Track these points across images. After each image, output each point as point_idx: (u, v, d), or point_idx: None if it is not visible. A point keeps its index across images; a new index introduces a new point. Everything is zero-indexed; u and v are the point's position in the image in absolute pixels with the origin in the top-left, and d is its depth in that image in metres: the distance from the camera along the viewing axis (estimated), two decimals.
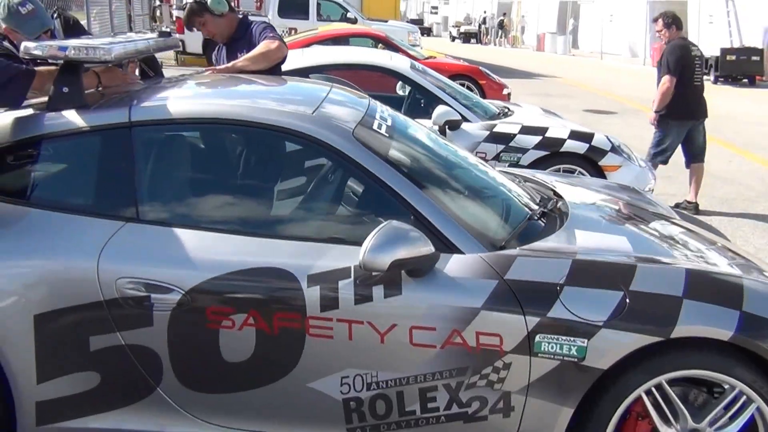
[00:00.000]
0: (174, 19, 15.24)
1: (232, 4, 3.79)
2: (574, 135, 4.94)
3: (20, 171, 2.19)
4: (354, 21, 15.04)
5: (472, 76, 9.48)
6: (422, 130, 2.80)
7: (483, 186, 2.55)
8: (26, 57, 2.23)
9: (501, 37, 30.98)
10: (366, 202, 2.27)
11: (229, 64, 3.43)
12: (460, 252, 2.04)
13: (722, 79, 16.58)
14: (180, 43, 13.66)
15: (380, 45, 10.10)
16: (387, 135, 2.37)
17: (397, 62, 5.36)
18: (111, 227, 2.05)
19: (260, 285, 1.99)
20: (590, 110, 11.48)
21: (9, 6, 2.89)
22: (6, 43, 2.89)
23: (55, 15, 3.28)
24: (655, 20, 5.79)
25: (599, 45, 24.41)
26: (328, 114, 2.31)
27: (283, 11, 14.92)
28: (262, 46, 3.42)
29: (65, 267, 1.99)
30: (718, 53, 16.76)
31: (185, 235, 2.06)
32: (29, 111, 2.25)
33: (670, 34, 5.58)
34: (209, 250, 2.03)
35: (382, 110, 2.61)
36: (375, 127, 2.36)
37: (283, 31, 14.43)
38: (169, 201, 2.22)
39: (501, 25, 31.37)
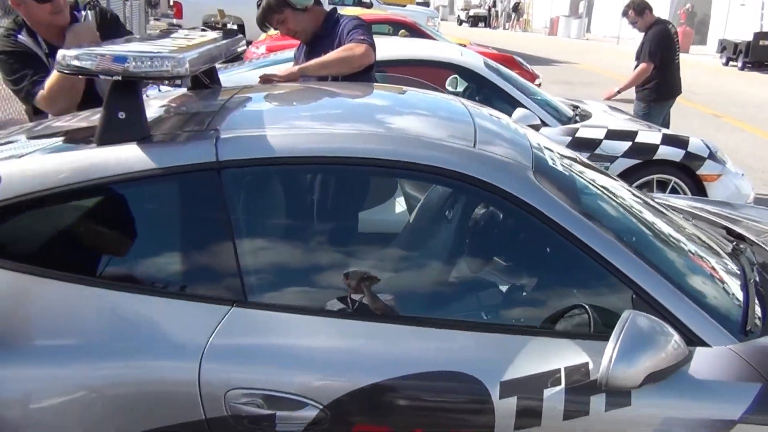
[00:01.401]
0: (171, 3, 14.49)
1: None
2: (668, 140, 4.37)
3: (63, 232, 1.59)
4: (369, 5, 14.37)
5: (505, 66, 8.85)
6: (572, 154, 2.22)
7: (683, 239, 1.95)
8: (65, 71, 1.60)
9: (513, 21, 30.18)
10: (563, 273, 1.68)
11: (293, 69, 2.75)
12: (703, 344, 1.48)
13: (750, 66, 15.98)
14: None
15: (402, 31, 9.47)
16: (566, 173, 1.79)
17: (470, 58, 4.71)
18: (211, 315, 1.46)
19: (430, 396, 1.43)
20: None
21: None
22: (22, 37, 2.42)
23: (88, 6, 2.63)
24: (625, 13, 5.64)
25: (612, 29, 23.70)
26: (491, 145, 1.72)
27: None
28: (343, 49, 2.74)
29: (149, 373, 1.41)
30: (748, 38, 16.12)
31: (317, 324, 1.49)
32: (74, 148, 1.64)
33: (645, 20, 5.46)
34: (355, 347, 1.46)
35: (535, 134, 2.03)
36: (550, 161, 1.78)
37: None
38: (288, 274, 1.63)
39: (516, 8, 30.50)
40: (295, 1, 2.86)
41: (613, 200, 1.92)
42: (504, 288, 1.78)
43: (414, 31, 9.37)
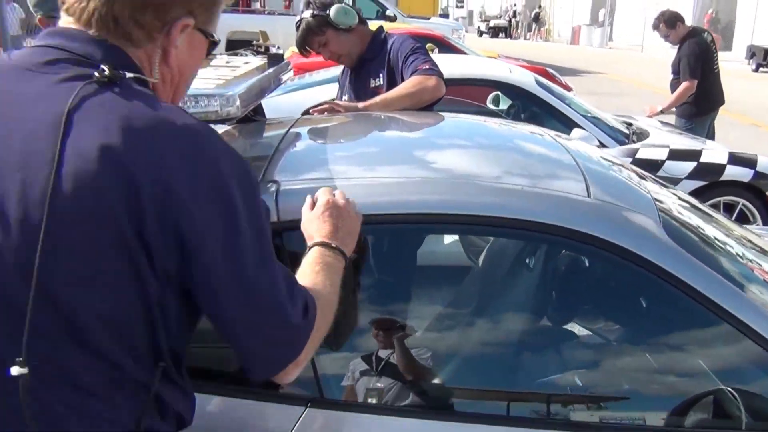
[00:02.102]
0: None
1: (360, 13, 2.67)
2: (735, 159, 4.04)
3: None
4: (393, 19, 14.16)
5: None
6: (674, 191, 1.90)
7: None
8: None
9: (534, 32, 29.84)
10: (698, 350, 1.37)
11: (368, 103, 2.34)
12: None
13: None
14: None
15: (429, 45, 9.22)
16: (687, 219, 1.49)
17: (521, 76, 4.41)
18: (287, 417, 1.18)
19: None
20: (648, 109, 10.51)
21: None
22: None
23: None
24: (656, 27, 5.41)
25: (636, 37, 23.34)
26: (607, 193, 1.41)
27: None
28: (413, 84, 2.36)
29: None
30: None
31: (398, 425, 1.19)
32: None
33: (678, 32, 5.24)
34: None
35: (638, 170, 1.73)
36: (674, 209, 1.48)
37: None
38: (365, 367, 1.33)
39: (537, 17, 30.15)
40: (337, 20, 2.52)
41: (734, 248, 1.61)
42: (613, 367, 1.47)
43: (442, 45, 9.08)
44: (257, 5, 15.30)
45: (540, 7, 30.86)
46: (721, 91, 5.37)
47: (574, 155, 1.59)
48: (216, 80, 1.63)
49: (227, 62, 2.34)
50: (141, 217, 0.80)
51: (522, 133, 2.01)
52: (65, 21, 0.92)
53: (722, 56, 18.71)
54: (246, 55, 2.41)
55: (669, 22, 5.25)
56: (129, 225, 0.80)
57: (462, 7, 37.98)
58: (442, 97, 2.40)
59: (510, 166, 1.55)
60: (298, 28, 2.60)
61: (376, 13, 14.93)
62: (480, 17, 35.48)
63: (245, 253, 0.85)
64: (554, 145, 1.72)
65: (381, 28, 2.72)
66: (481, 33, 32.33)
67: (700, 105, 5.20)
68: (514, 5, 32.38)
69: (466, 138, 1.87)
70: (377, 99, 2.36)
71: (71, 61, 0.87)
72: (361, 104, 2.35)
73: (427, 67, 2.40)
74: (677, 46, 5.34)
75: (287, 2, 15.98)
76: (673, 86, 5.35)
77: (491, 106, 4.73)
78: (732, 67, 17.71)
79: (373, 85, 2.57)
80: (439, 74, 2.38)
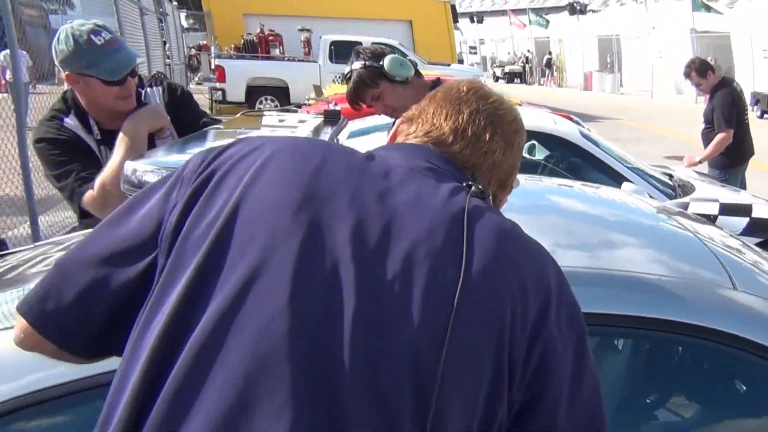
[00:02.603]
0: (213, 67, 14.49)
1: (416, 65, 2.56)
2: None
3: None
4: (414, 66, 14.31)
5: None
6: None
7: None
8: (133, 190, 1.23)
9: (548, 77, 30.13)
10: None
11: None
12: None
13: None
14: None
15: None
16: None
17: (565, 127, 4.35)
18: None
19: None
20: (672, 156, 10.41)
21: (74, 36, 1.81)
22: (69, 121, 1.94)
23: (154, 82, 2.14)
24: (688, 75, 5.34)
25: (643, 82, 23.58)
26: (752, 285, 1.28)
27: (335, 56, 14.23)
28: None
29: None
30: None
31: None
32: None
33: (709, 80, 5.17)
34: None
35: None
36: None
37: (336, 76, 13.76)
38: None
39: (549, 63, 30.50)
40: (393, 72, 2.38)
41: None
42: None
43: None
44: (276, 52, 15.48)
45: (550, 53, 31.26)
46: (751, 141, 5.33)
47: (702, 240, 1.46)
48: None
49: (280, 121, 2.23)
50: (520, 335, 0.76)
51: (609, 199, 1.90)
52: (417, 138, 0.95)
53: None
54: (297, 111, 2.31)
55: (700, 71, 5.20)
56: (508, 342, 0.75)
57: (475, 53, 38.49)
58: None
59: (626, 245, 1.43)
60: (348, 80, 2.47)
61: None
62: (493, 63, 35.88)
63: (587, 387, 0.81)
64: (660, 217, 1.61)
65: (438, 79, 2.57)
66: (497, 78, 32.66)
67: (734, 156, 5.15)
68: (528, 51, 32.79)
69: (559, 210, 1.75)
70: None
71: (437, 172, 0.88)
72: None
73: None
74: (707, 96, 5.31)
75: (307, 49, 16.21)
76: (705, 136, 5.30)
77: (527, 156, 4.65)
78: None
79: None
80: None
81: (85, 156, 1.90)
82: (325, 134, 1.95)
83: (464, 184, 0.87)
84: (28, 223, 4.05)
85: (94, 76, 1.82)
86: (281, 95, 13.23)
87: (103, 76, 1.82)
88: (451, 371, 0.71)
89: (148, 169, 1.16)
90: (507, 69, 32.61)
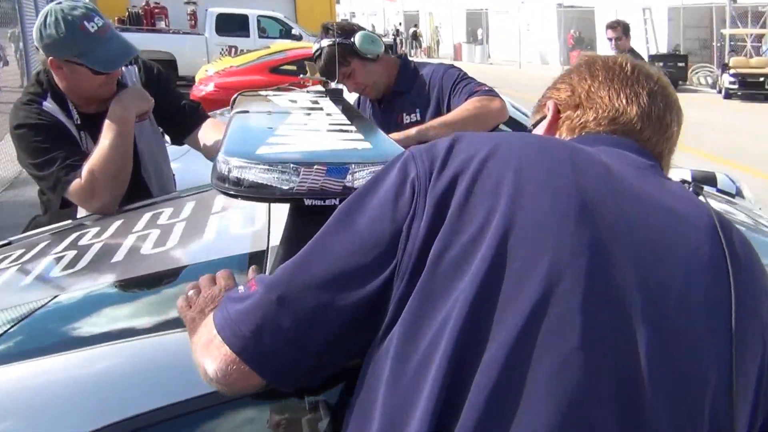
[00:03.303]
0: None
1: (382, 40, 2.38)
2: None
3: None
4: (299, 38, 14.34)
5: None
6: None
7: None
8: (230, 191, 0.96)
9: (416, 48, 31.07)
10: None
11: (425, 126, 2.07)
12: None
13: None
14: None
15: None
16: None
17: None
18: None
19: None
20: None
21: (65, 20, 1.63)
22: (48, 104, 1.74)
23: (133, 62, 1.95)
24: (613, 27, 5.61)
25: (510, 54, 25.07)
26: None
27: (222, 29, 13.98)
28: (476, 105, 2.11)
29: None
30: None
31: None
32: None
33: (625, 42, 5.51)
34: None
35: None
36: None
37: (223, 50, 13.52)
38: None
39: (415, 36, 31.45)
40: (365, 49, 2.26)
41: None
42: None
43: None
44: (162, 24, 14.91)
45: (416, 26, 32.26)
46: None
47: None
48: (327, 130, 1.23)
49: (292, 101, 1.77)
50: None
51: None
52: (601, 126, 0.87)
53: None
54: (293, 90, 2.09)
55: (625, 29, 5.48)
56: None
57: None
58: (505, 119, 2.21)
59: None
60: (317, 57, 2.30)
61: (280, 32, 15.06)
62: None
63: None
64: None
65: (406, 56, 2.51)
66: None
67: None
68: (400, 24, 33.57)
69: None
70: (435, 122, 2.09)
71: (657, 169, 0.84)
72: (414, 130, 2.06)
73: (487, 88, 2.21)
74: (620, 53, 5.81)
75: (193, 22, 15.69)
76: None
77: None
78: None
79: (407, 122, 2.29)
80: (500, 96, 2.19)
81: (68, 142, 1.72)
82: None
83: (683, 182, 0.82)
84: None
85: (83, 65, 1.66)
86: (168, 68, 12.78)
87: (96, 66, 1.66)
88: (740, 401, 0.68)
89: (243, 165, 0.92)
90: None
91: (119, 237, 1.34)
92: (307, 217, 0.93)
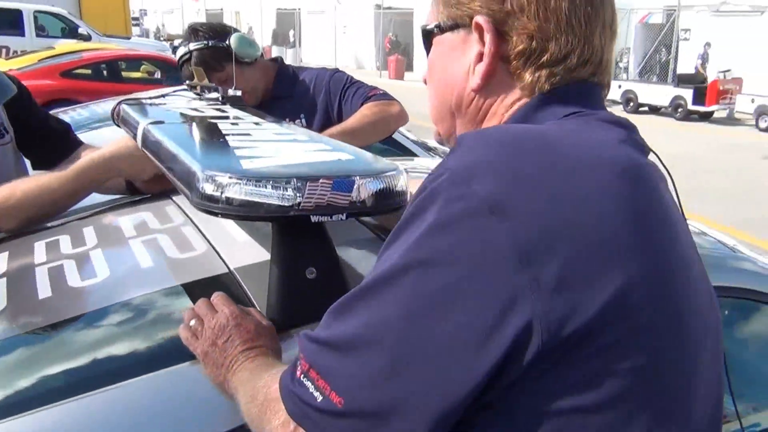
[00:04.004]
0: None
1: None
2: None
3: None
4: (88, 38, 13.46)
5: None
6: None
7: None
8: (229, 212, 0.90)
9: None
10: None
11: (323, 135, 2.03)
12: None
13: None
14: None
15: (159, 72, 9.13)
16: None
17: None
18: None
19: None
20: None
21: None
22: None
23: None
24: None
25: (324, 56, 25.75)
26: None
27: None
28: (374, 110, 2.13)
29: None
30: None
31: None
32: None
33: None
34: None
35: None
36: None
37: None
38: None
39: None
40: (242, 52, 2.19)
41: None
42: None
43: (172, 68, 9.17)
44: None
45: None
46: None
47: None
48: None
49: (211, 101, 1.84)
50: None
51: None
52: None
53: (409, 76, 21.54)
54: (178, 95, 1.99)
55: None
56: None
57: (138, 24, 36.59)
58: (404, 124, 2.25)
59: None
60: (184, 62, 2.22)
61: (62, 31, 13.99)
62: (159, 37, 34.69)
63: None
64: None
65: (282, 60, 2.47)
66: (174, 50, 31.47)
67: None
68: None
69: None
70: (334, 130, 2.04)
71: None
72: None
73: (381, 92, 2.23)
74: None
75: None
76: None
77: None
78: (420, 85, 20.69)
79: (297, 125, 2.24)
80: (396, 99, 2.22)
81: None
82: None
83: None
84: None
85: None
86: None
87: None
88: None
89: (234, 182, 0.87)
90: (177, 43, 31.80)
91: (23, 272, 1.21)
92: (297, 232, 0.93)
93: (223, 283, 1.04)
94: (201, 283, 1.05)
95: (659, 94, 16.48)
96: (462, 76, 0.80)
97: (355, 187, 0.87)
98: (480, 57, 0.77)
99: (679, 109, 15.70)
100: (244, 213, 0.86)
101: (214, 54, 2.15)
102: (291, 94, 2.32)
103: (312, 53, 28.28)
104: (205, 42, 2.16)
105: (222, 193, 0.86)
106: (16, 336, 1.01)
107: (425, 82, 0.88)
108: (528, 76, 0.76)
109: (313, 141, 1.17)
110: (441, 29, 0.82)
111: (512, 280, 0.60)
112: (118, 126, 1.59)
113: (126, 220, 1.38)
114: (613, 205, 0.65)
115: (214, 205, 0.86)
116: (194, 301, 0.96)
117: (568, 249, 0.61)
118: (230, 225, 1.26)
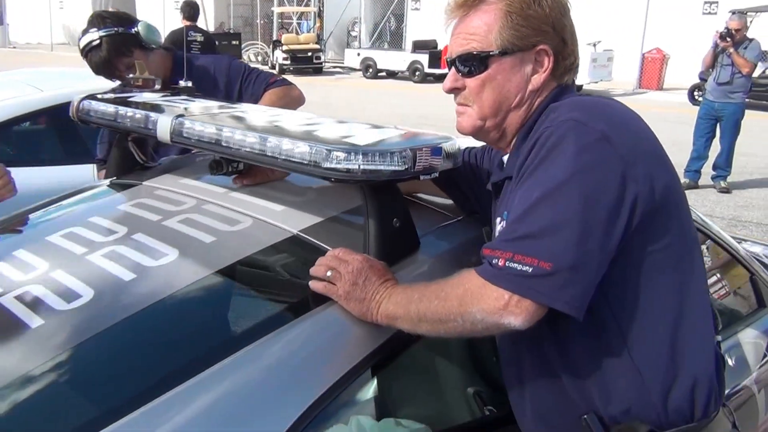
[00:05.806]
0: None
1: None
2: None
3: None
4: None
5: None
6: None
7: None
8: (335, 175, 1.18)
9: None
10: None
11: None
12: None
13: None
14: None
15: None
16: None
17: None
18: None
19: None
20: None
21: None
22: None
23: None
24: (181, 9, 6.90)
25: (39, 35, 23.55)
26: None
27: None
28: (279, 96, 2.34)
29: None
30: None
31: None
32: None
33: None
34: None
35: None
36: None
37: None
38: None
39: None
40: (148, 38, 2.29)
41: None
42: None
43: None
44: None
45: None
46: None
47: None
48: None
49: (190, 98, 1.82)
50: None
51: None
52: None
53: None
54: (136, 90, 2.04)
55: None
56: None
57: None
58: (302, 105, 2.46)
59: None
60: (93, 48, 2.25)
61: None
62: None
63: None
64: None
65: (174, 48, 2.56)
66: None
67: None
68: None
69: None
70: None
71: None
72: None
73: (280, 78, 2.46)
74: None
75: None
76: None
77: None
78: None
79: None
80: (294, 84, 2.47)
81: None
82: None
83: None
84: None
85: None
86: None
87: None
88: None
89: (365, 155, 1.14)
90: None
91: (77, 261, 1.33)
92: (385, 192, 1.23)
93: (300, 242, 1.29)
94: (278, 247, 1.30)
95: (397, 60, 17.92)
96: (522, 84, 1.19)
97: (442, 151, 1.20)
98: (535, 70, 1.19)
99: (417, 73, 17.26)
100: (374, 178, 1.14)
101: (123, 40, 2.24)
102: (189, 81, 2.39)
103: (22, 31, 25.47)
104: (113, 28, 2.23)
105: (359, 166, 1.13)
106: (143, 310, 1.18)
107: (450, 91, 1.23)
108: (560, 78, 1.21)
109: (339, 122, 1.40)
110: (504, 53, 1.17)
111: (624, 178, 1.05)
112: (83, 124, 1.66)
113: (138, 211, 1.49)
114: (653, 134, 1.15)
115: (352, 175, 1.13)
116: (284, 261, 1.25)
117: (643, 159, 1.08)
118: (247, 200, 1.47)
